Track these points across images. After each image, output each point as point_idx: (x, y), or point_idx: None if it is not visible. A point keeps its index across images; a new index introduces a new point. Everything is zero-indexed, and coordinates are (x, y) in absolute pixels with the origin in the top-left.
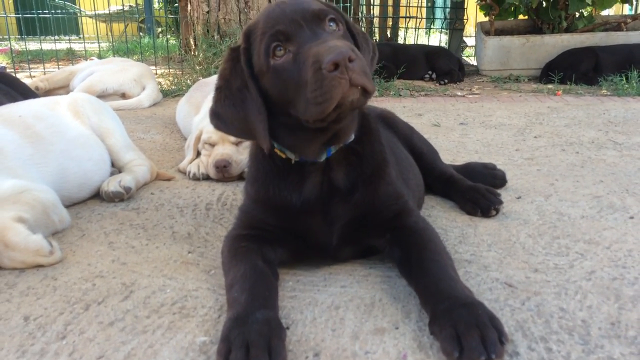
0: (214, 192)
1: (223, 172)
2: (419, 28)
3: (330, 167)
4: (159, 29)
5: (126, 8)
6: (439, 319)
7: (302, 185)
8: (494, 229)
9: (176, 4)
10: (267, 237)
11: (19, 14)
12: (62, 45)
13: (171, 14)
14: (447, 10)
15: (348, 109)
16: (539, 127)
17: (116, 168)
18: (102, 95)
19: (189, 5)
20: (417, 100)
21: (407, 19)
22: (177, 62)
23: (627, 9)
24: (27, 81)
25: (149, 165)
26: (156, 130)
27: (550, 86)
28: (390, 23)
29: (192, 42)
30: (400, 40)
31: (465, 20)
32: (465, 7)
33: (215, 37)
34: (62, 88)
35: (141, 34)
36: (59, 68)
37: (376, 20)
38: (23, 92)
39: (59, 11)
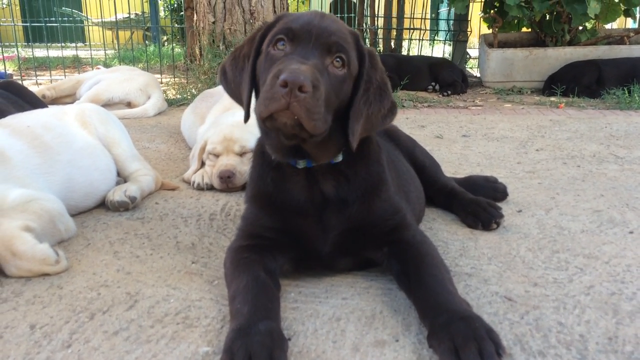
0: (218, 202)
1: (227, 183)
2: (422, 39)
3: (316, 179)
4: (165, 37)
5: (132, 16)
6: (437, 332)
7: (286, 185)
8: (495, 243)
9: (182, 13)
10: (268, 246)
11: (26, 21)
12: (69, 53)
13: (177, 23)
14: (451, 22)
15: (284, 129)
16: (540, 140)
17: (122, 177)
18: (108, 104)
19: (195, 15)
20: (420, 112)
21: (411, 31)
22: (183, 70)
23: (630, 23)
24: (33, 88)
25: (154, 175)
26: (161, 139)
27: (552, 99)
28: (394, 34)
29: (197, 51)
30: (404, 52)
31: (469, 32)
32: (469, 19)
33: (221, 47)
34: (69, 96)
35: (147, 42)
36: (65, 75)
37: (380, 32)
38: (30, 101)
39: (66, 18)
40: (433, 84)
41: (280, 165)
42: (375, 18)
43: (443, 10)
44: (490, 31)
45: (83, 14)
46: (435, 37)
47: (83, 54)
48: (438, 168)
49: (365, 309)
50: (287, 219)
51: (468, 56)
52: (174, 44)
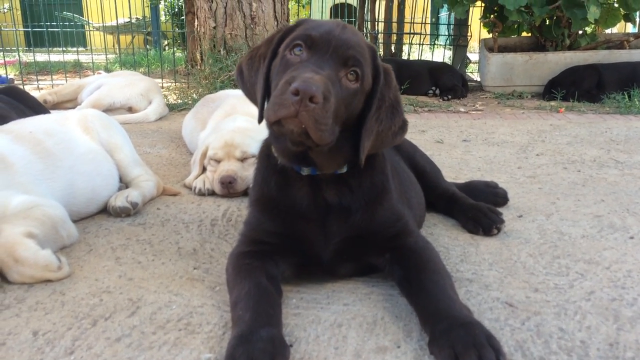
0: (219, 207)
1: (228, 188)
2: (423, 44)
3: (320, 187)
4: (166, 42)
5: (134, 21)
6: (437, 339)
7: (290, 190)
8: (496, 248)
9: (183, 18)
10: (270, 252)
11: (27, 26)
12: (70, 57)
13: (178, 28)
14: (451, 26)
15: (291, 135)
16: (541, 145)
17: (123, 183)
18: (110, 109)
19: (195, 20)
20: (420, 117)
21: (411, 35)
22: (184, 75)
23: (630, 27)
24: (35, 93)
25: (156, 180)
26: (162, 144)
27: (553, 103)
28: (395, 39)
29: (198, 56)
30: (404, 56)
31: (469, 37)
32: (469, 23)
33: (222, 52)
34: (70, 101)
35: (148, 46)
36: (66, 80)
37: (380, 36)
38: (32, 107)
39: (67, 23)
40: (433, 88)
41: (284, 169)
42: (376, 23)
43: (443, 14)
44: (490, 36)
45: (84, 19)
46: (436, 42)
47: (84, 58)
48: (439, 173)
49: (367, 315)
50: (289, 223)
51: (468, 60)
52: (175, 49)
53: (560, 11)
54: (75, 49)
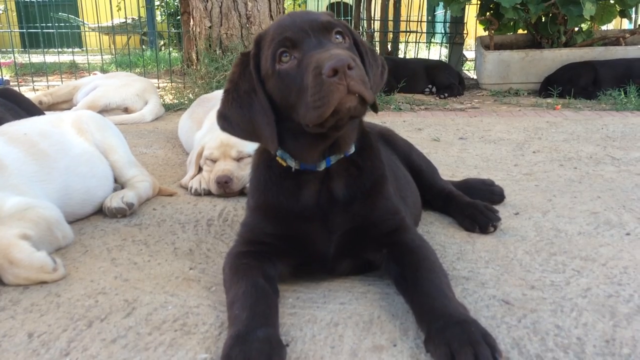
0: (215, 207)
1: (224, 188)
2: (419, 42)
3: (330, 177)
4: (161, 42)
5: (129, 21)
6: (433, 337)
7: (300, 193)
8: (492, 246)
9: (179, 18)
10: (268, 252)
11: (22, 27)
12: (66, 58)
13: (174, 28)
14: (447, 24)
15: (346, 116)
16: (537, 142)
17: (119, 184)
18: (105, 110)
19: (191, 20)
20: (417, 115)
21: (408, 33)
22: (179, 75)
23: (626, 24)
24: (30, 94)
25: (151, 181)
26: (158, 144)
27: (549, 100)
28: (391, 37)
29: (194, 56)
30: (401, 55)
31: (465, 35)
32: (465, 21)
33: (218, 52)
34: (66, 102)
35: (144, 46)
36: (62, 81)
37: (377, 35)
38: (27, 108)
39: (62, 24)
40: (430, 86)
41: (290, 175)
42: (372, 21)
43: (439, 12)
44: (486, 33)
45: (80, 19)
46: (432, 40)
47: (80, 59)
48: (435, 171)
49: (363, 314)
50: (292, 226)
51: (464, 58)
52: (171, 49)
53: (556, 8)
54: (70, 49)
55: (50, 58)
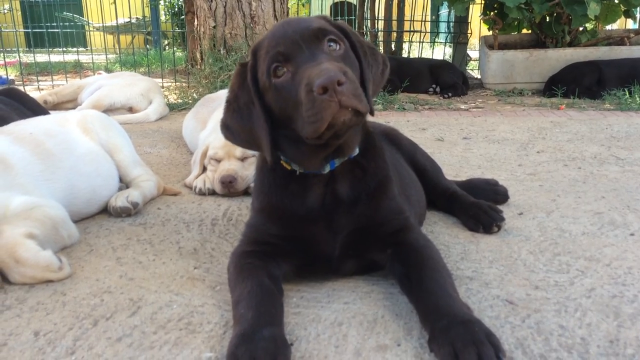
0: (220, 207)
1: (229, 188)
2: (423, 42)
3: (335, 179)
4: (166, 42)
5: (133, 20)
6: (437, 337)
7: (305, 195)
8: (496, 246)
9: (183, 17)
10: (273, 252)
11: (27, 27)
12: (70, 57)
13: (178, 27)
14: (451, 24)
15: (342, 128)
16: (541, 142)
17: (124, 183)
18: (110, 109)
19: (195, 20)
20: (421, 115)
21: (411, 33)
22: (184, 75)
23: (630, 24)
24: (35, 94)
25: (156, 180)
26: (163, 144)
27: (553, 100)
28: (395, 37)
29: (198, 56)
30: (405, 54)
31: (469, 34)
32: (469, 21)
33: (222, 52)
34: (70, 102)
35: (148, 46)
36: (67, 80)
37: (380, 34)
38: (32, 108)
39: (67, 24)
40: (434, 86)
41: (295, 178)
42: (376, 21)
43: (443, 12)
44: (490, 33)
45: (84, 19)
46: (436, 39)
47: (84, 58)
48: (439, 171)
49: (367, 314)
50: (296, 227)
51: (468, 58)
52: (175, 48)
53: (561, 8)
54: (75, 49)
55: (55, 57)
